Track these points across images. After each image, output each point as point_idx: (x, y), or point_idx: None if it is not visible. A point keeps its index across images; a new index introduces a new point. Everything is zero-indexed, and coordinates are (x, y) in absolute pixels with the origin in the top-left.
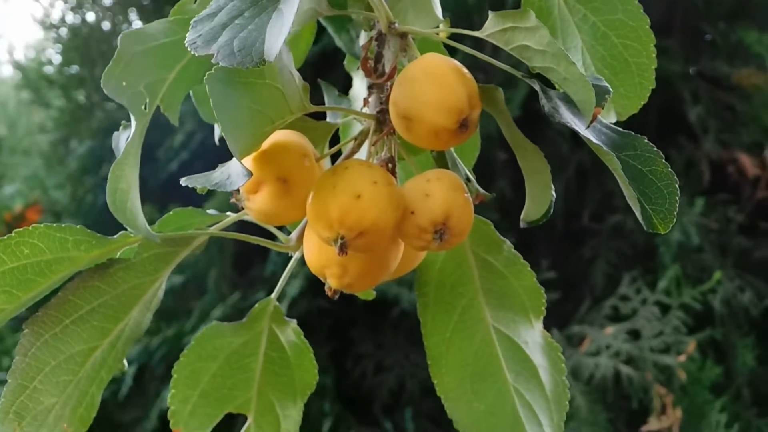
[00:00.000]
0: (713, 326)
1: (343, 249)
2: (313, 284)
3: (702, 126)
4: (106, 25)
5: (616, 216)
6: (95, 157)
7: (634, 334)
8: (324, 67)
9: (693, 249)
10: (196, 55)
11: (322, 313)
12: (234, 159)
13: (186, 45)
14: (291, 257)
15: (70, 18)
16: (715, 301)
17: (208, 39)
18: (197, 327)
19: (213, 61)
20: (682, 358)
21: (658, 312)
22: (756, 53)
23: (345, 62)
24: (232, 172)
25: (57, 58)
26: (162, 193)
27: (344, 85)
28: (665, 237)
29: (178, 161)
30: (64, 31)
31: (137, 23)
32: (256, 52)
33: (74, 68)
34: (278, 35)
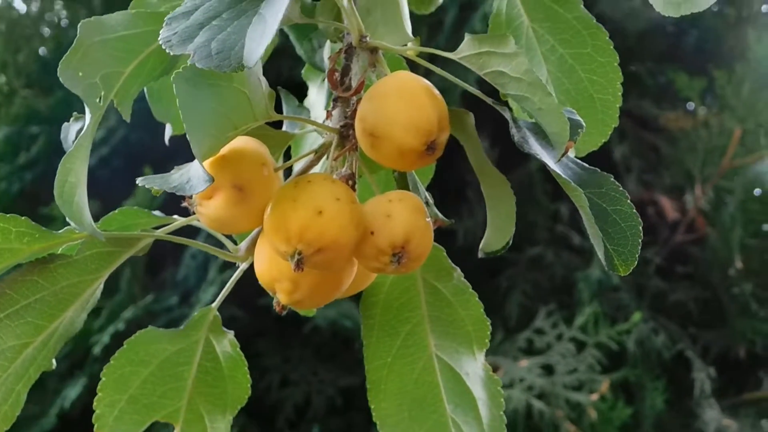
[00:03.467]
0: (626, 366)
1: (299, 265)
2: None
3: (625, 165)
4: (32, 11)
5: (536, 248)
6: (12, 144)
7: (548, 369)
8: None
9: (611, 288)
10: (171, 53)
11: (232, 321)
12: (195, 162)
13: (160, 42)
14: (237, 267)
15: None
16: (629, 342)
17: (184, 38)
18: (105, 327)
19: (189, 61)
20: (595, 396)
21: (573, 348)
22: (684, 97)
23: (303, 71)
24: (193, 176)
25: None
26: None
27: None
28: (585, 273)
29: (97, 156)
30: None
31: (63, 12)
32: (235, 57)
33: None
34: (259, 41)
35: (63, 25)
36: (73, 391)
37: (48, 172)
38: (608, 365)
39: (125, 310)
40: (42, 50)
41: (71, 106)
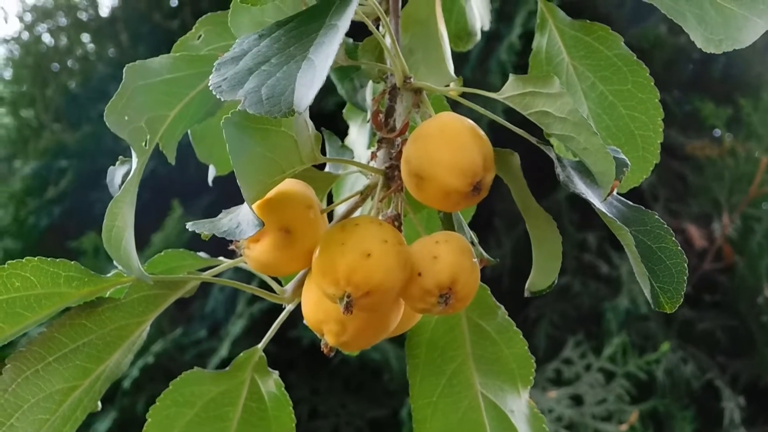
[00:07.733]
0: (654, 396)
1: (348, 307)
2: (256, 325)
3: (652, 194)
4: (60, 44)
5: (564, 278)
6: (40, 178)
7: (577, 400)
8: None
9: (639, 317)
10: (222, 99)
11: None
12: (244, 206)
13: (210, 87)
14: (284, 308)
15: (26, 36)
16: (658, 372)
17: (234, 84)
18: (135, 360)
19: (240, 107)
20: (624, 427)
21: (602, 379)
22: (711, 125)
23: (344, 110)
24: (242, 221)
25: (7, 74)
26: None
27: None
28: (613, 303)
29: None
30: (16, 48)
31: (90, 46)
32: (285, 102)
33: (25, 86)
34: (310, 86)
35: (91, 58)
36: (102, 426)
37: (76, 206)
38: (637, 395)
39: (154, 344)
40: (70, 84)
41: (100, 140)
